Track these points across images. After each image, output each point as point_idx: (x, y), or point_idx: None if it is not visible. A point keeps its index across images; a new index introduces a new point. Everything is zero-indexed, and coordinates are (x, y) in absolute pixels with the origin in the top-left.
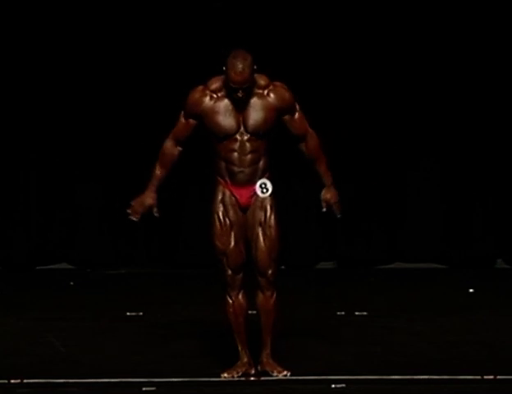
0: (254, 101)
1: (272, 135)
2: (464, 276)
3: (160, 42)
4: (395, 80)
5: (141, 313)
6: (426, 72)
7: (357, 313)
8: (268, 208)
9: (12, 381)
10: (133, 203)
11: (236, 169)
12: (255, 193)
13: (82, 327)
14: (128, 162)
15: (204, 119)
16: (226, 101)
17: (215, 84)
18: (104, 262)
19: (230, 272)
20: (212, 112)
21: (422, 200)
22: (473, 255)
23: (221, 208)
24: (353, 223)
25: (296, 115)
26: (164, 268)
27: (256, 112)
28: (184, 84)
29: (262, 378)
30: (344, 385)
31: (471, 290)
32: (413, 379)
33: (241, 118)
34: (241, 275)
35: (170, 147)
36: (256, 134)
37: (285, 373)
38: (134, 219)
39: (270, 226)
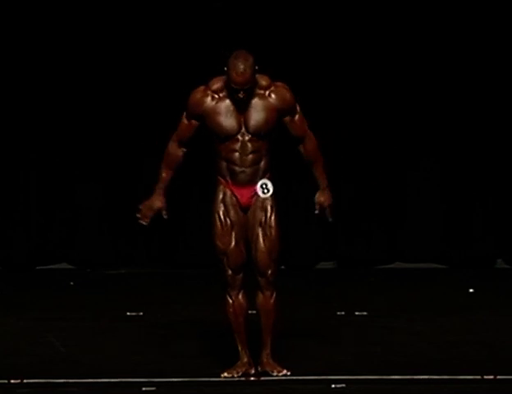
0: (256, 101)
1: (273, 135)
2: (463, 276)
3: (160, 42)
4: (394, 81)
5: (141, 313)
6: (426, 72)
7: (357, 313)
8: (269, 208)
9: (12, 381)
10: (141, 207)
11: (237, 169)
12: (256, 193)
13: (82, 327)
14: (128, 162)
15: (206, 119)
16: (227, 101)
17: (216, 84)
18: (104, 262)
19: (230, 271)
20: (214, 112)
21: (422, 200)
22: (473, 255)
23: (222, 208)
24: (353, 223)
25: (296, 116)
26: (164, 268)
27: (257, 112)
28: (184, 84)
29: (262, 378)
30: (344, 385)
31: (471, 290)
32: (413, 379)
33: (242, 119)
34: (241, 275)
35: (174, 149)
36: (257, 134)
37: (284, 372)
38: (144, 223)
39: (270, 227)
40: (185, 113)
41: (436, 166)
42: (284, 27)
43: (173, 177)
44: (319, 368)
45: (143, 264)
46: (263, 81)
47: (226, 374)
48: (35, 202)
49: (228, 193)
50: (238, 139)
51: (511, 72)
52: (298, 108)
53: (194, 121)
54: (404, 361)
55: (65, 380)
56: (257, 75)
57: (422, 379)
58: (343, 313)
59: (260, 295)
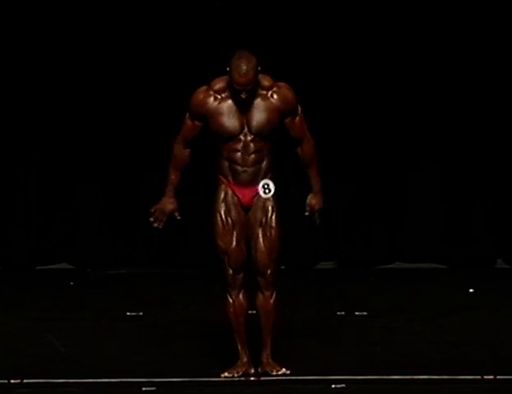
0: (258, 102)
1: (276, 135)
2: (464, 276)
3: (160, 42)
4: (395, 81)
5: (141, 313)
6: (426, 72)
7: (357, 313)
8: (270, 208)
9: (12, 381)
10: (154, 210)
11: (240, 168)
12: (257, 193)
13: (82, 327)
14: (128, 162)
15: (208, 119)
16: (229, 102)
17: (218, 84)
18: (104, 262)
19: (231, 271)
20: (217, 113)
21: (422, 200)
22: (473, 255)
23: (223, 208)
24: (353, 223)
25: (297, 118)
26: (164, 268)
27: (259, 113)
28: (184, 84)
29: (262, 378)
30: (344, 385)
31: (471, 290)
32: (413, 379)
33: (245, 119)
34: (242, 275)
35: (180, 150)
36: (259, 135)
37: (284, 370)
38: (159, 227)
39: (271, 227)
40: (188, 114)
41: (436, 166)
42: (284, 27)
43: (181, 178)
44: (319, 368)
45: (143, 264)
46: (266, 82)
47: (226, 374)
48: (35, 202)
49: (230, 192)
50: (240, 140)
51: (511, 72)
52: (299, 110)
53: (197, 122)
54: (404, 361)
55: (65, 380)
56: (259, 76)
57: (422, 379)
58: (343, 313)
59: (260, 296)
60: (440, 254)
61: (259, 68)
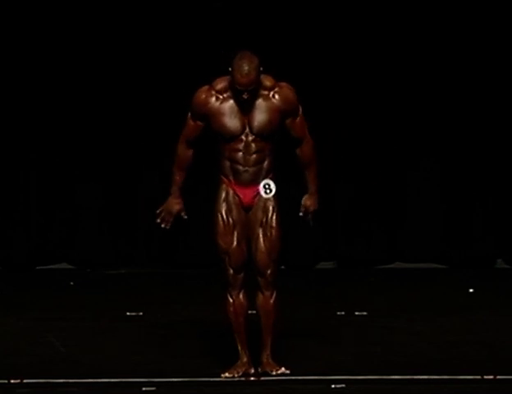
0: (260, 102)
1: (277, 136)
2: (464, 276)
3: (160, 42)
4: (395, 81)
5: (141, 313)
6: (426, 72)
7: (357, 313)
8: (271, 208)
9: (12, 381)
10: (160, 211)
11: (241, 168)
12: (258, 193)
13: (82, 327)
14: (128, 162)
15: (210, 119)
16: (231, 102)
17: (220, 84)
18: (104, 262)
19: (231, 271)
20: (219, 113)
21: (422, 200)
22: (473, 255)
23: (224, 207)
24: (353, 223)
25: (298, 118)
26: (164, 268)
27: (261, 113)
28: (184, 84)
29: (262, 378)
30: (344, 385)
31: (471, 290)
32: (413, 379)
33: (246, 120)
34: (243, 274)
35: (183, 150)
36: (261, 135)
37: (283, 369)
38: (167, 227)
39: (271, 227)
40: (189, 114)
41: (436, 166)
42: (284, 27)
43: (186, 178)
44: (319, 368)
45: (143, 264)
46: (267, 82)
47: (226, 375)
48: (35, 202)
49: (231, 192)
50: (242, 140)
51: (511, 72)
52: (300, 110)
53: (199, 122)
54: (404, 361)
55: (65, 380)
56: (261, 76)
57: (422, 379)
58: (343, 313)
59: (260, 296)
60: (440, 254)
61: (261, 68)
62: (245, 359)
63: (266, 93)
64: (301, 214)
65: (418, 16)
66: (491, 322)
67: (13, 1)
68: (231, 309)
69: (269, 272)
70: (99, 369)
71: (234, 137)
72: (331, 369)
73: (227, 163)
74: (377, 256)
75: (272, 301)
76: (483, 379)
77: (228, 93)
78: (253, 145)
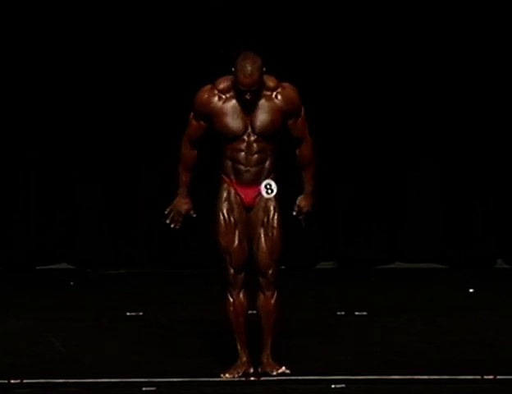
0: (262, 103)
1: (279, 136)
2: (464, 276)
3: (159, 42)
4: (395, 81)
5: (141, 313)
6: (426, 72)
7: (357, 313)
8: (272, 208)
9: (12, 381)
10: (169, 212)
11: (243, 168)
12: (260, 193)
13: (82, 327)
14: (128, 163)
15: (213, 119)
16: (233, 102)
17: (223, 84)
18: (104, 262)
19: (232, 270)
20: (221, 112)
21: (422, 200)
22: (473, 255)
23: (226, 207)
24: (353, 223)
25: (299, 119)
26: (164, 268)
27: (263, 113)
28: (183, 84)
29: (262, 378)
30: (344, 385)
31: (471, 290)
32: (413, 379)
33: (249, 120)
34: (243, 274)
35: (188, 151)
36: (263, 135)
37: (283, 369)
38: (176, 227)
39: (273, 227)
40: (192, 114)
41: (436, 166)
42: (284, 27)
43: (192, 177)
44: (319, 368)
45: (143, 264)
46: (270, 82)
47: (227, 375)
48: (35, 202)
49: (232, 192)
50: (244, 140)
51: (511, 72)
52: (302, 111)
53: (202, 122)
54: (404, 361)
55: (65, 380)
56: (264, 76)
57: (422, 379)
58: (343, 313)
59: (261, 296)
60: (440, 254)
61: (264, 69)
62: (245, 359)
63: (269, 93)
64: (294, 213)
65: (418, 16)
66: (491, 322)
67: (13, 1)
68: (232, 308)
69: (270, 272)
70: (99, 369)
71: (236, 137)
72: (331, 369)
73: (229, 163)
74: (377, 256)
75: (272, 301)
76: (483, 379)
77: (230, 93)
78: (255, 145)
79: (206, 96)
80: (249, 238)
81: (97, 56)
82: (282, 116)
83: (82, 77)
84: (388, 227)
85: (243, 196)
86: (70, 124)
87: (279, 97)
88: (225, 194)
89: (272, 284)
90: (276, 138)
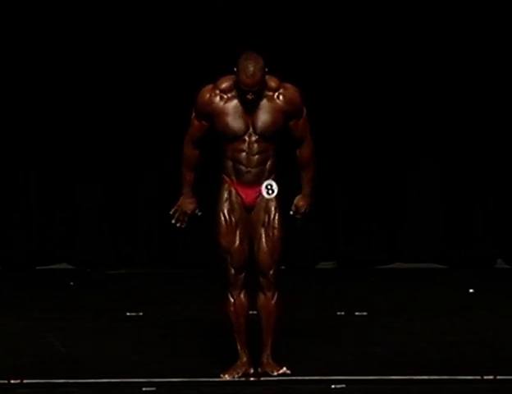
0: (264, 103)
1: (280, 137)
2: (464, 276)
3: (159, 42)
4: (395, 81)
5: (141, 313)
6: (426, 72)
7: (357, 313)
8: (273, 209)
9: (12, 381)
10: (174, 211)
11: (244, 169)
12: (261, 193)
13: (82, 327)
14: (128, 163)
15: (214, 119)
16: (235, 102)
17: (224, 83)
18: (104, 262)
19: (233, 270)
20: (222, 112)
21: (422, 200)
22: (473, 255)
23: (226, 207)
24: (353, 223)
25: (301, 120)
26: (164, 268)
27: (265, 114)
28: (183, 84)
29: (262, 378)
30: (344, 385)
31: (471, 291)
32: (413, 379)
33: (250, 120)
34: (244, 274)
35: (191, 151)
36: (264, 135)
37: (284, 369)
38: (182, 226)
39: (273, 228)
40: (194, 114)
41: (436, 166)
42: (284, 27)
43: (196, 177)
44: (319, 368)
45: (143, 264)
46: (272, 83)
47: (225, 375)
48: (35, 202)
49: (233, 192)
50: (245, 140)
51: (511, 72)
52: (304, 112)
53: (204, 122)
54: (404, 361)
55: (65, 380)
56: (266, 77)
57: (422, 379)
58: (343, 313)
59: (261, 296)
60: (440, 254)
61: (266, 69)
62: (245, 360)
63: (270, 94)
64: (291, 213)
65: (418, 16)
66: (491, 322)
67: (13, 1)
68: (232, 309)
69: (271, 272)
70: (99, 369)
71: (237, 137)
72: (331, 369)
73: (230, 163)
74: (377, 256)
75: (273, 302)
76: (483, 379)
77: (232, 93)
78: (256, 146)
79: (208, 96)
80: (250, 238)
81: (97, 56)
82: (284, 116)
83: (82, 77)
84: (388, 227)
85: (244, 196)
86: (70, 124)
87: (281, 97)
88: (226, 195)
89: (273, 284)
90: (277, 138)
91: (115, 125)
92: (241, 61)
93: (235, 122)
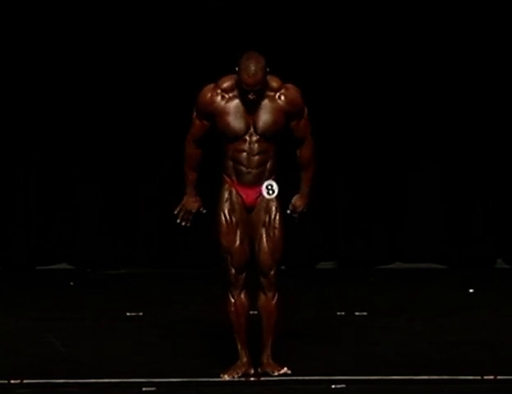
0: (265, 103)
1: (281, 137)
2: (464, 276)
3: (159, 42)
4: (395, 81)
5: (141, 313)
6: (426, 73)
7: (357, 313)
8: (273, 209)
9: (12, 381)
10: (179, 211)
11: (244, 169)
12: (261, 194)
13: (82, 327)
14: (128, 163)
15: (215, 119)
16: (236, 101)
17: (226, 83)
18: (104, 262)
19: (233, 270)
20: (224, 112)
21: (422, 200)
22: (473, 255)
23: (227, 207)
24: (353, 223)
25: (302, 120)
26: (164, 268)
27: (266, 114)
28: (183, 84)
29: (262, 379)
30: (344, 385)
31: (471, 291)
32: (413, 379)
33: (251, 120)
34: (244, 274)
35: (192, 150)
36: (265, 136)
37: (285, 369)
38: (187, 225)
39: (274, 228)
40: (195, 114)
41: (436, 166)
42: (284, 27)
43: (198, 176)
44: (319, 368)
45: (143, 264)
46: (274, 83)
47: (225, 375)
48: (35, 202)
49: (234, 192)
50: (245, 140)
51: (511, 72)
52: (305, 112)
53: (205, 121)
54: (404, 361)
55: (65, 380)
56: (267, 77)
57: (422, 379)
58: (343, 313)
59: (262, 296)
60: (440, 254)
61: (268, 69)
62: (245, 360)
63: (272, 94)
64: (288, 212)
65: (418, 16)
66: (491, 322)
67: (13, 1)
68: (232, 309)
69: (272, 272)
70: (99, 369)
71: (238, 137)
72: (332, 369)
73: (230, 163)
74: (377, 256)
75: (274, 302)
76: (483, 379)
77: (233, 93)
78: (256, 146)
79: (209, 95)
80: (251, 238)
81: (97, 56)
82: (285, 117)
83: (82, 77)
84: (388, 227)
85: (244, 197)
86: (70, 124)
87: (282, 98)
88: (226, 195)
89: (274, 284)
90: (278, 139)
91: (115, 126)
92: (243, 61)
93: (236, 122)
